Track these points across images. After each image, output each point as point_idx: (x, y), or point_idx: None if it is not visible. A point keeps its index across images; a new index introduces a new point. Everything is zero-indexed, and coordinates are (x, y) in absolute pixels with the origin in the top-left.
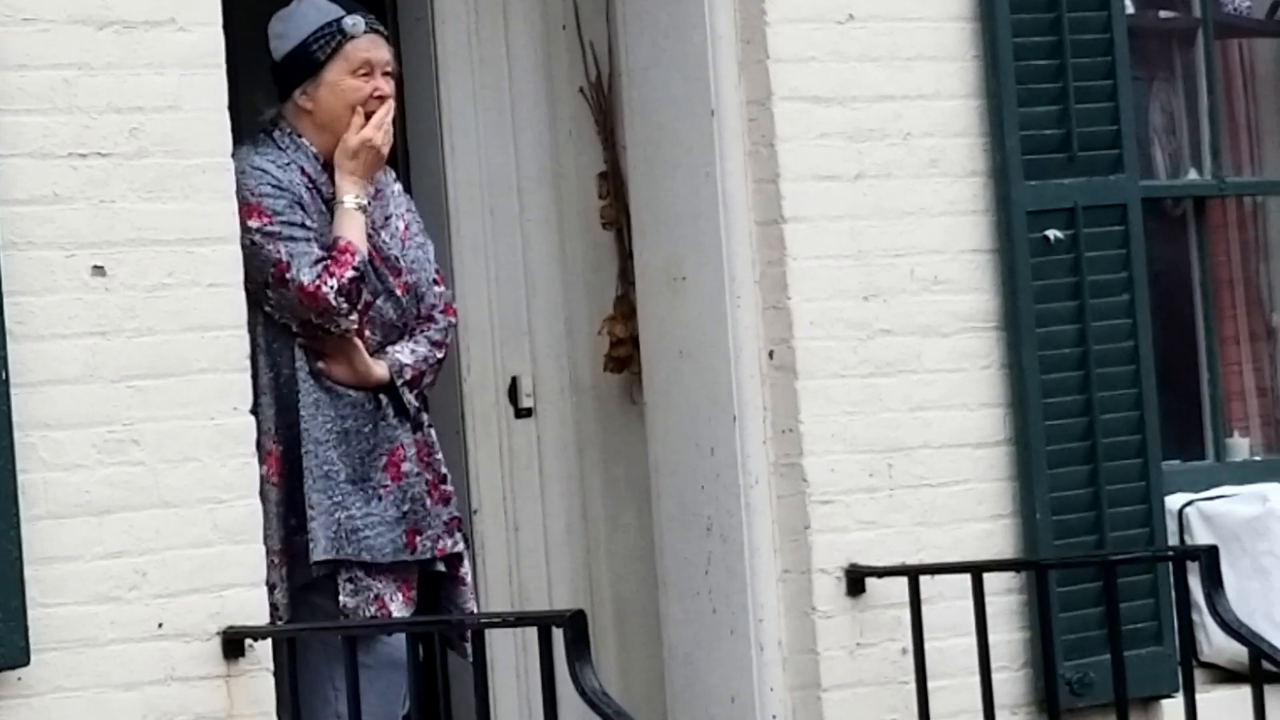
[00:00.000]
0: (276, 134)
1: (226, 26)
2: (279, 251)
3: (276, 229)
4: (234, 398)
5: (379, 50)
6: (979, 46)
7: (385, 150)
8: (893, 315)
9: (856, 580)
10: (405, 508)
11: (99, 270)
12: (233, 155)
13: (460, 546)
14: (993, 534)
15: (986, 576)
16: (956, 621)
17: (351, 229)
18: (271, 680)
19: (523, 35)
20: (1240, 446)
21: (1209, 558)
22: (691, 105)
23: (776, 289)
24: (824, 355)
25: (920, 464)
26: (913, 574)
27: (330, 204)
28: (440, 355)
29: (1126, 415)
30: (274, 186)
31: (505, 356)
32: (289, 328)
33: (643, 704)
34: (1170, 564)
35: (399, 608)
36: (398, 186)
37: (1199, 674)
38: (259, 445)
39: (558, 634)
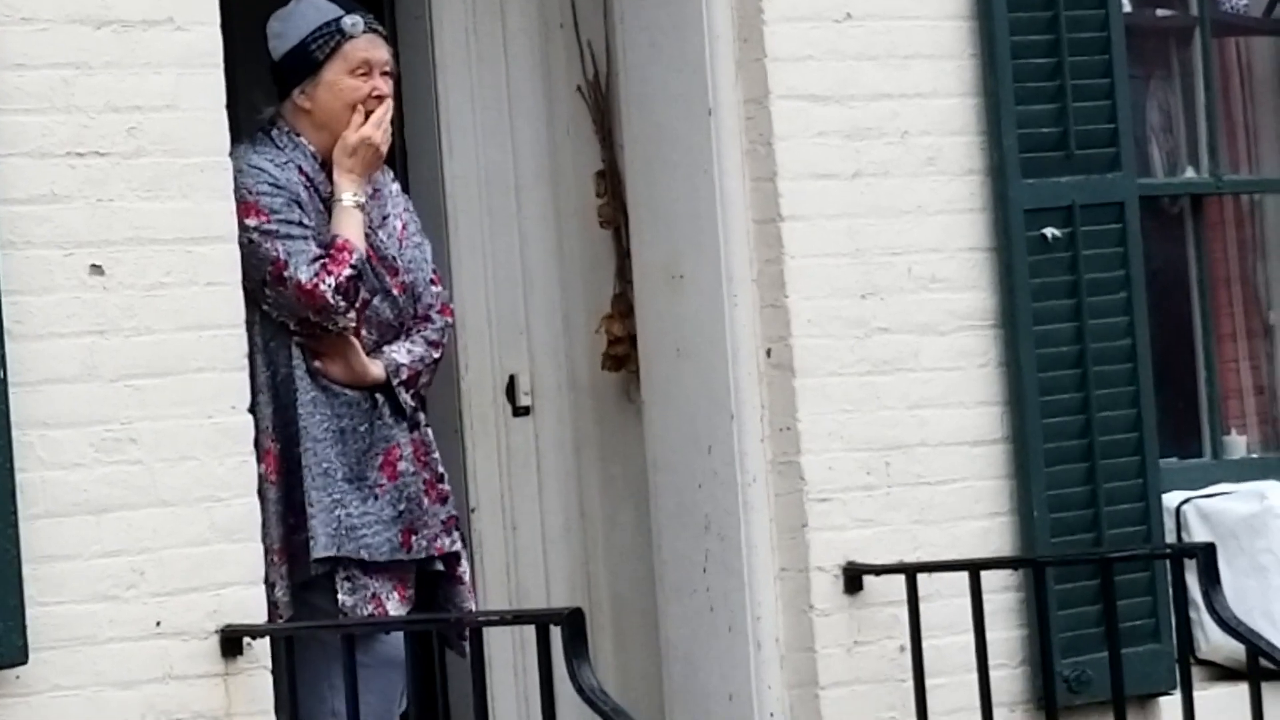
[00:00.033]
0: (275, 133)
1: (224, 26)
2: (276, 250)
3: (274, 227)
4: (232, 396)
5: (378, 50)
6: (976, 45)
7: (384, 149)
8: (890, 313)
9: (854, 578)
10: (401, 507)
11: (97, 269)
12: (231, 154)
13: (458, 545)
14: (990, 532)
15: (984, 574)
16: (954, 619)
17: (349, 227)
18: (269, 679)
19: (520, 34)
20: (1237, 444)
21: (1206, 555)
22: (689, 104)
23: (774, 287)
24: (822, 353)
25: (918, 462)
26: (910, 572)
27: (328, 203)
28: (437, 355)
29: (1124, 413)
30: (271, 185)
31: (503, 355)
32: (286, 326)
33: (641, 702)
34: (1168, 562)
35: (395, 607)
36: (396, 186)
37: (1196, 671)
38: (256, 444)
39: (555, 632)
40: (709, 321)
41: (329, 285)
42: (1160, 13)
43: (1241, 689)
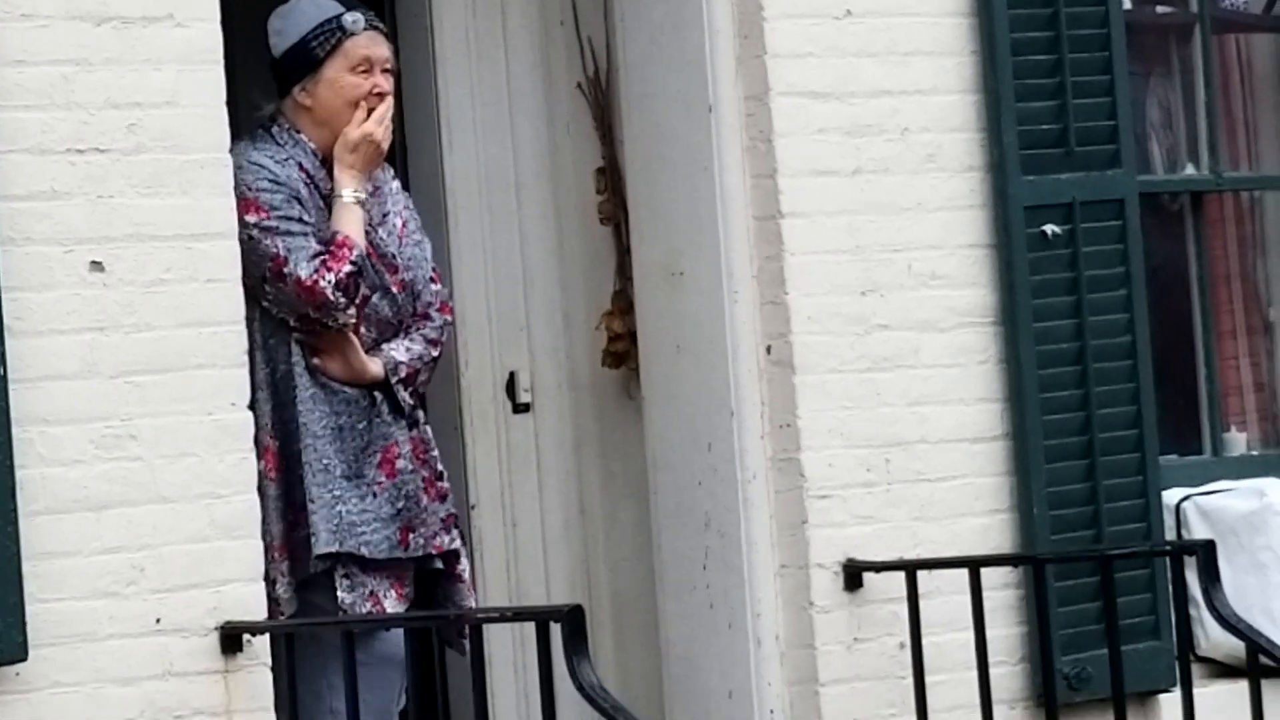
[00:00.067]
0: (275, 130)
1: (224, 22)
2: (276, 246)
3: (274, 224)
4: (232, 393)
5: (378, 47)
6: (976, 42)
7: (385, 146)
8: (890, 310)
9: (854, 575)
10: (400, 505)
11: (97, 266)
12: (231, 151)
13: (457, 543)
14: (990, 529)
15: (984, 571)
16: (954, 616)
17: (350, 223)
18: (269, 675)
19: (521, 31)
20: (1237, 441)
21: (1206, 553)
22: (689, 101)
23: (774, 284)
24: (822, 350)
25: (918, 459)
26: (910, 569)
27: (328, 200)
28: (436, 353)
29: (1124, 410)
30: (271, 181)
31: (503, 352)
32: (285, 323)
33: (640, 699)
34: (1168, 559)
35: (393, 605)
36: (396, 184)
37: (1196, 669)
38: (256, 441)
39: (555, 629)
40: (709, 318)
41: (329, 281)
42: (1160, 9)
43: (1241, 686)
